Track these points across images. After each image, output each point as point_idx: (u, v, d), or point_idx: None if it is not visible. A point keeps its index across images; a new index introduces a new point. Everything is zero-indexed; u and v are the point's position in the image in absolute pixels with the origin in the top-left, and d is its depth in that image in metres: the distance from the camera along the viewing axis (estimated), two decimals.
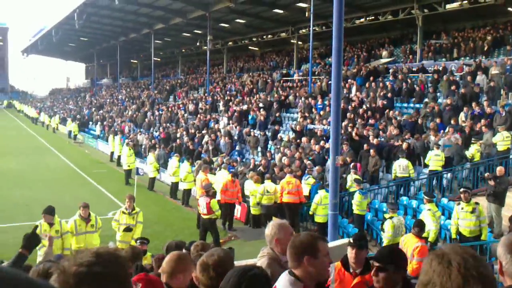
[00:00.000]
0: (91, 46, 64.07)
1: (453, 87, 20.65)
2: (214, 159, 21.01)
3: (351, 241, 4.86)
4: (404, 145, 16.23)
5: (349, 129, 19.46)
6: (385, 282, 3.39)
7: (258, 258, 4.28)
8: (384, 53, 33.08)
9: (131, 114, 39.85)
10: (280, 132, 23.68)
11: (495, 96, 19.32)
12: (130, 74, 73.01)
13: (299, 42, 41.11)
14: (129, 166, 22.81)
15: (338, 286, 4.68)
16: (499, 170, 12.76)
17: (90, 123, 44.95)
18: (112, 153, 29.36)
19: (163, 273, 3.61)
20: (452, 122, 17.42)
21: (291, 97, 28.60)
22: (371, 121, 20.55)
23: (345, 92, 25.26)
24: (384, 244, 11.21)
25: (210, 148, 22.69)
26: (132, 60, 70.89)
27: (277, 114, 25.31)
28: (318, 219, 14.07)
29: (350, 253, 4.77)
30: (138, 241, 8.51)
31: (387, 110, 21.06)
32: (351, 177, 15.13)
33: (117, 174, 25.18)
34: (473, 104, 18.23)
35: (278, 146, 21.08)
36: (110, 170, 27.02)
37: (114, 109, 46.55)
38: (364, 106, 22.60)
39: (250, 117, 26.96)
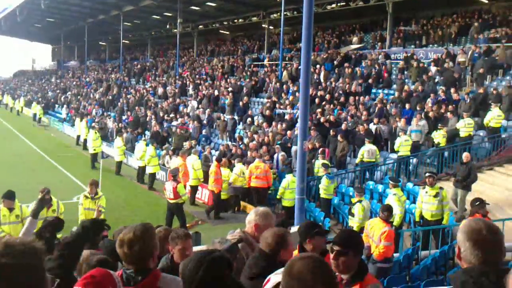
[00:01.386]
0: (58, 27, 62.36)
1: (430, 73, 20.88)
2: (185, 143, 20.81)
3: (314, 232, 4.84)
4: (361, 128, 16.45)
5: (318, 115, 19.54)
6: (345, 266, 3.37)
7: (229, 238, 4.24)
8: (355, 39, 33.20)
9: (99, 97, 39.09)
10: (249, 117, 23.59)
11: (483, 82, 19.60)
12: (98, 57, 71.50)
13: (270, 27, 40.90)
14: (95, 150, 22.39)
15: None
16: (466, 156, 13.02)
17: (56, 106, 43.91)
18: (78, 136, 28.82)
19: None
20: (418, 108, 17.65)
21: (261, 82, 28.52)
22: (339, 107, 20.63)
23: (315, 77, 25.31)
24: (354, 228, 11.32)
25: (179, 132, 22.47)
26: (100, 43, 69.39)
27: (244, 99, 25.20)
28: (286, 203, 14.11)
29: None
30: None
31: (356, 96, 21.19)
32: (318, 163, 15.23)
33: (83, 158, 24.70)
34: (440, 91, 18.53)
35: (247, 131, 21.02)
36: (76, 153, 26.51)
37: (81, 92, 45.60)
38: (333, 92, 22.68)
39: (226, 101, 26.61)
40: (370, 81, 22.80)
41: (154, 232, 3.08)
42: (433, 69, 21.68)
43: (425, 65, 22.62)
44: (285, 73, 27.69)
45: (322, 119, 18.76)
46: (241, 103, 24.98)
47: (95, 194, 11.11)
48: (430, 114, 16.84)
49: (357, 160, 15.91)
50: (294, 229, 8.80)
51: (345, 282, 3.44)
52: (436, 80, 20.64)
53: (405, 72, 23.14)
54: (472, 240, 2.30)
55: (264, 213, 4.32)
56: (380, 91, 22.38)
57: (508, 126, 16.24)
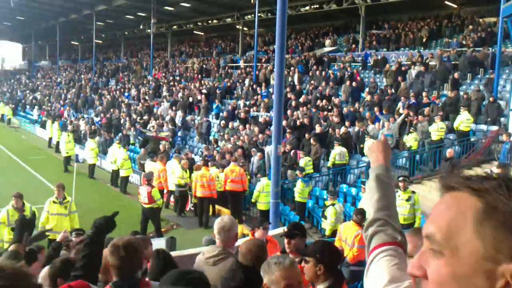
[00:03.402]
0: (29, 26, 61.05)
1: (409, 76, 21.11)
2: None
3: (284, 230, 5.00)
4: (337, 132, 16.74)
5: (294, 117, 19.67)
6: (308, 275, 3.52)
7: (215, 258, 4.04)
8: (328, 41, 33.52)
9: (71, 98, 38.50)
10: (224, 119, 23.55)
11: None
12: (70, 57, 70.36)
13: (245, 28, 40.95)
14: (67, 152, 22.09)
15: None
16: (449, 152, 14.24)
17: (28, 107, 43.05)
18: (50, 139, 28.36)
19: None
20: (384, 112, 17.86)
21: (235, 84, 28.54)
22: (314, 110, 20.79)
23: (289, 80, 25.46)
24: (326, 231, 11.52)
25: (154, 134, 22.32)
26: (72, 42, 68.28)
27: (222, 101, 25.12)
28: (260, 206, 14.19)
29: (284, 243, 4.89)
30: (73, 233, 7.90)
31: (330, 99, 21.38)
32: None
33: (55, 161, 24.33)
34: (411, 95, 18.83)
35: (222, 133, 21.03)
36: (48, 156, 26.09)
37: (52, 92, 44.81)
38: (307, 94, 22.86)
39: (214, 105, 26.27)
40: (343, 83, 22.95)
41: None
42: (413, 72, 21.76)
43: (402, 68, 22.82)
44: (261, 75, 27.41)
45: (297, 122, 18.88)
46: (230, 106, 24.64)
47: (63, 198, 10.88)
48: (403, 118, 17.10)
49: (329, 163, 16.09)
50: (277, 231, 8.92)
51: None
52: (418, 82, 20.73)
53: (378, 75, 23.47)
54: None
55: (231, 221, 4.40)
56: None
57: (477, 129, 16.66)
